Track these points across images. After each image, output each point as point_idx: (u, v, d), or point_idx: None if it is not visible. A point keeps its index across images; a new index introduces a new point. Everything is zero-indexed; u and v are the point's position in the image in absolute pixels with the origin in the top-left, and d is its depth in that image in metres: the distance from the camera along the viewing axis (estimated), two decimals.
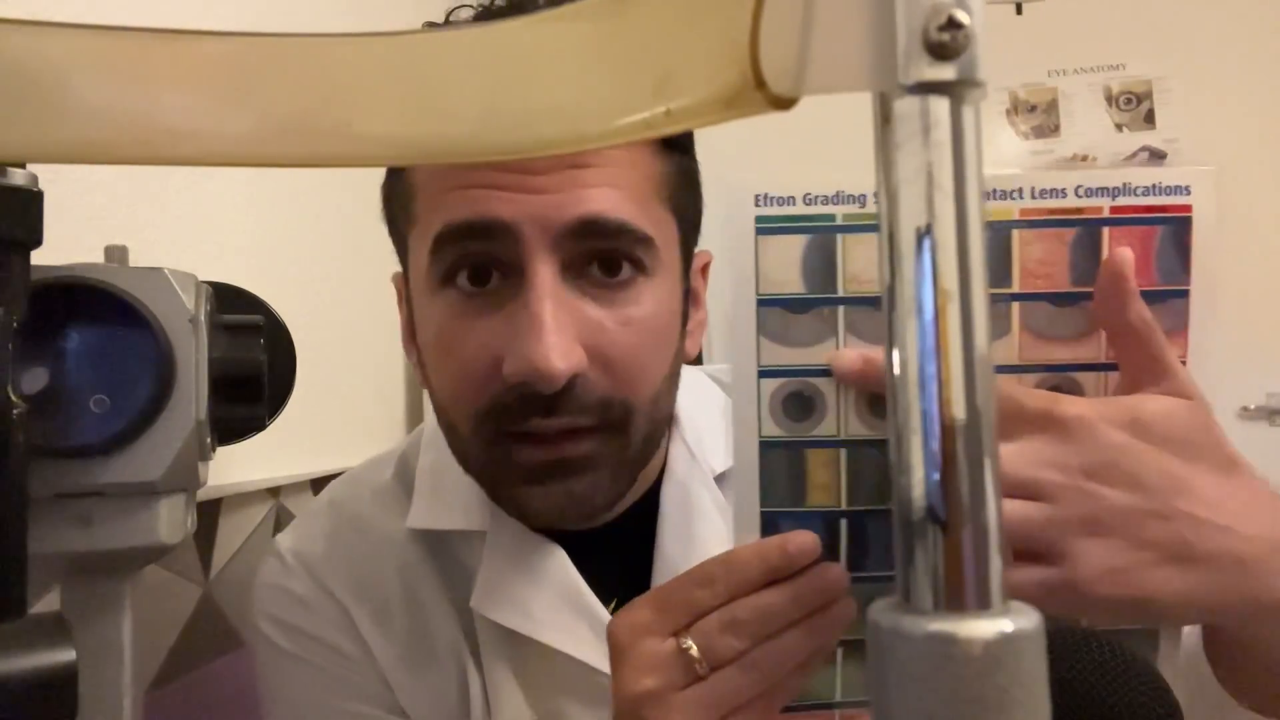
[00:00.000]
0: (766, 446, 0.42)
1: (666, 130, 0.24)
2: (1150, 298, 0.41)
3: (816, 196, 0.41)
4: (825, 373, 0.42)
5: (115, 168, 0.72)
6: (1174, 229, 0.42)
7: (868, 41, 0.21)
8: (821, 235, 0.42)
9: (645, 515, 0.62)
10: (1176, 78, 2.10)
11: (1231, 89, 2.07)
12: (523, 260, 0.51)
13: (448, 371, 0.55)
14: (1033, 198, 0.41)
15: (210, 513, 0.87)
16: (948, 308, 0.20)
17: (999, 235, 0.41)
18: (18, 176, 0.37)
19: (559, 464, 0.53)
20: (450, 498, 0.62)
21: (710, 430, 0.66)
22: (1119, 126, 2.14)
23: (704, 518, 0.62)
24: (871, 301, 0.42)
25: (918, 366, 0.20)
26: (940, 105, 0.20)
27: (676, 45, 0.24)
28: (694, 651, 0.40)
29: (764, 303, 0.42)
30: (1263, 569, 0.37)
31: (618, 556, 0.61)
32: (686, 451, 0.64)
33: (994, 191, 0.42)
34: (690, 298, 0.61)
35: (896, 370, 0.21)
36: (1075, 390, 0.42)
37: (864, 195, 0.42)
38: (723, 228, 0.42)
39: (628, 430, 0.54)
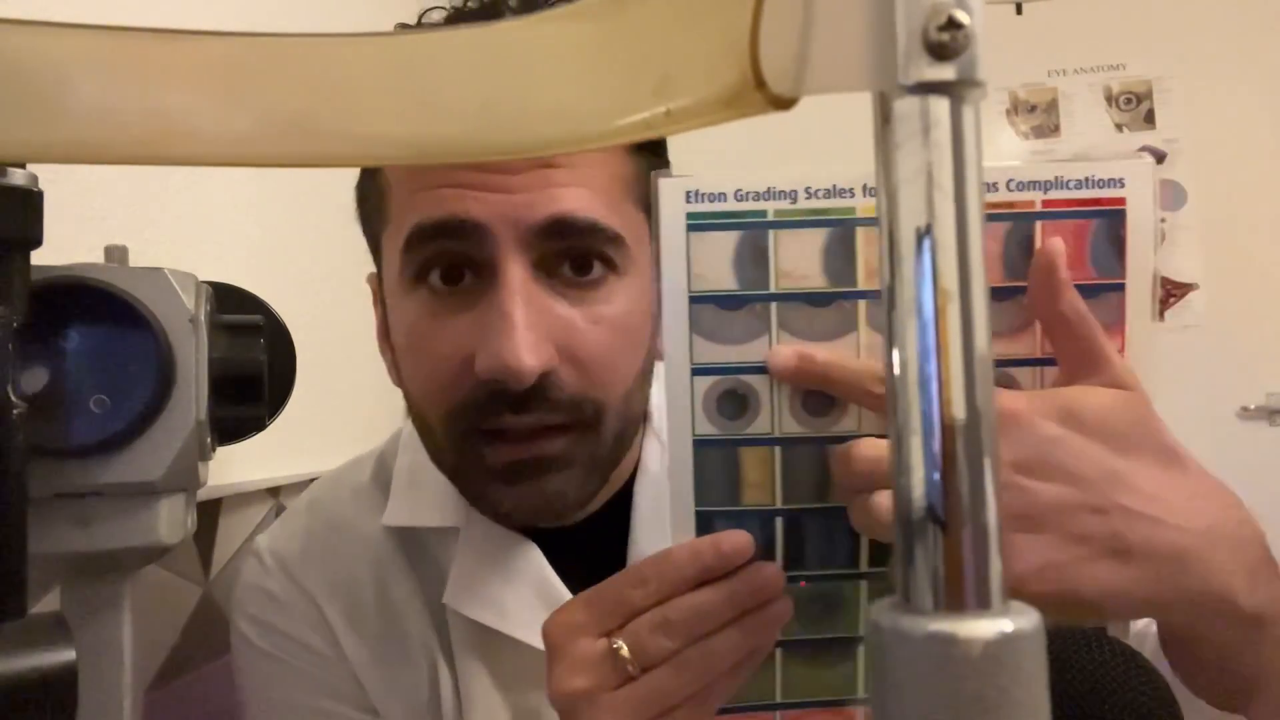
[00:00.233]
0: (700, 445, 0.42)
1: (666, 130, 0.24)
2: (1086, 291, 0.40)
3: (748, 193, 0.41)
4: (759, 370, 0.42)
5: (115, 168, 0.72)
6: (1108, 222, 0.41)
7: (867, 41, 0.21)
8: (753, 232, 0.41)
9: (619, 512, 0.62)
10: (1176, 78, 2.10)
11: (1231, 89, 2.07)
12: (494, 259, 0.51)
13: (420, 370, 0.55)
14: None
15: (210, 513, 0.87)
16: (948, 308, 0.20)
17: None
18: (18, 176, 0.37)
19: (531, 462, 0.53)
20: (426, 495, 0.63)
21: None
22: (1119, 126, 2.14)
23: None
24: (804, 298, 0.41)
25: (918, 366, 0.20)
26: (940, 105, 0.20)
27: (676, 45, 0.24)
28: (624, 652, 0.40)
29: (696, 300, 0.41)
30: (1202, 562, 0.36)
31: (592, 553, 0.61)
32: (660, 448, 0.64)
33: None
34: None
35: (896, 370, 0.21)
36: (1011, 385, 0.41)
37: (795, 191, 0.41)
38: (654, 225, 0.41)
39: (600, 428, 0.54)
